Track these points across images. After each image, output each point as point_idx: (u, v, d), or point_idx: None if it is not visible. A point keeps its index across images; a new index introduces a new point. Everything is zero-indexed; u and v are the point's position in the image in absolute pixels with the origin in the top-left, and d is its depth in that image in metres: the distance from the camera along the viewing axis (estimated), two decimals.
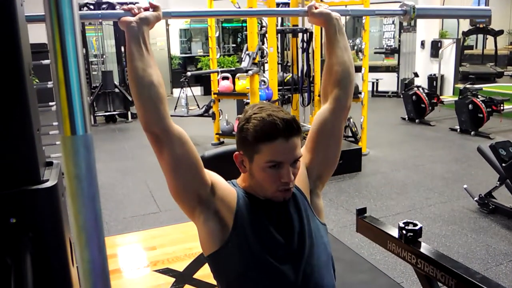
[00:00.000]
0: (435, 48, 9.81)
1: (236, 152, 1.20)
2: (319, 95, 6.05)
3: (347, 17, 11.39)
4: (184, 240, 3.11)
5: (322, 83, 1.37)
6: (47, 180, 0.73)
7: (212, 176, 1.18)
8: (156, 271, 2.81)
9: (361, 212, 1.77)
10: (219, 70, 6.47)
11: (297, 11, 1.30)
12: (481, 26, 10.22)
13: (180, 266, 2.83)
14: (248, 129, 1.12)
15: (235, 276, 1.14)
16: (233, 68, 6.16)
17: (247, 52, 5.30)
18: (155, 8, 1.13)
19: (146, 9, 1.12)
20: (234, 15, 3.37)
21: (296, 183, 1.24)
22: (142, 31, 1.08)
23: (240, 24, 9.98)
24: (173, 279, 2.69)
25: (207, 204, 1.14)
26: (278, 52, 6.44)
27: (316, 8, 1.31)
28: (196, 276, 2.72)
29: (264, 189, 1.16)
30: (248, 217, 1.15)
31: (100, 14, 1.09)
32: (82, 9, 6.96)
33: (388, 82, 10.54)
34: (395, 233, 1.55)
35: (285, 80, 6.52)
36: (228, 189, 1.19)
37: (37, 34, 2.41)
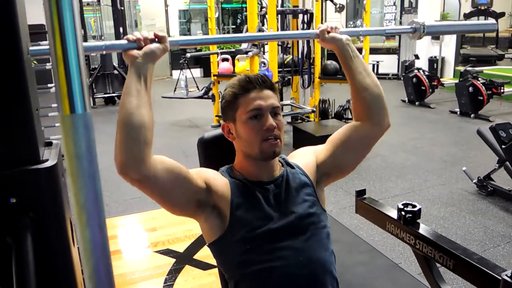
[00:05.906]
0: None
1: (223, 123, 1.24)
2: (319, 77, 6.06)
3: None
4: (184, 222, 3.11)
5: (353, 105, 1.33)
6: (47, 160, 0.72)
7: (202, 175, 1.16)
8: (156, 252, 2.84)
9: (360, 193, 1.77)
10: (219, 51, 6.42)
11: (309, 34, 1.34)
12: (482, 8, 10.12)
13: (181, 247, 2.85)
14: (227, 93, 1.21)
15: (238, 260, 1.16)
16: (233, 50, 6.09)
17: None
18: (161, 39, 1.05)
19: (151, 40, 1.04)
20: None
21: (304, 169, 1.27)
22: (146, 68, 1.02)
23: (240, 5, 9.85)
24: (173, 260, 2.72)
25: (206, 203, 1.14)
26: None
27: (328, 32, 1.27)
28: (196, 256, 2.74)
29: (252, 145, 1.16)
30: (243, 200, 1.16)
31: (104, 46, 1.00)
32: None
33: (389, 64, 10.47)
34: (394, 214, 1.56)
35: (285, 62, 6.47)
36: (220, 180, 1.19)
37: (36, 15, 2.39)
